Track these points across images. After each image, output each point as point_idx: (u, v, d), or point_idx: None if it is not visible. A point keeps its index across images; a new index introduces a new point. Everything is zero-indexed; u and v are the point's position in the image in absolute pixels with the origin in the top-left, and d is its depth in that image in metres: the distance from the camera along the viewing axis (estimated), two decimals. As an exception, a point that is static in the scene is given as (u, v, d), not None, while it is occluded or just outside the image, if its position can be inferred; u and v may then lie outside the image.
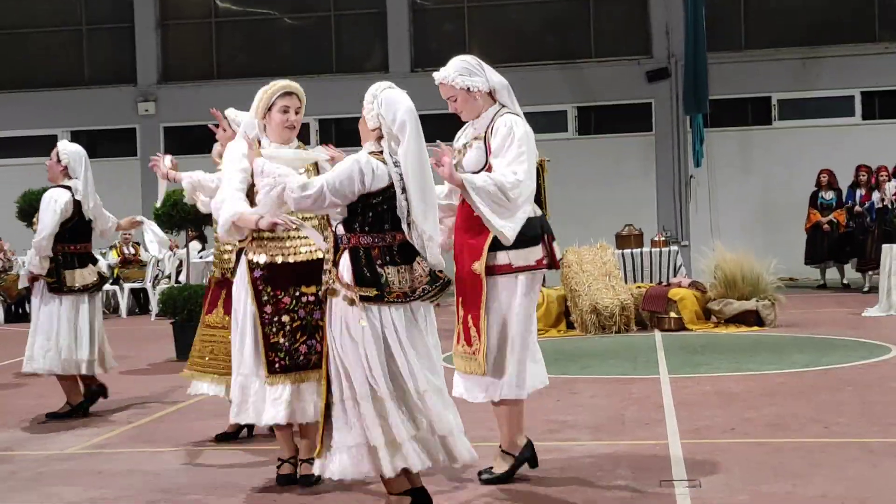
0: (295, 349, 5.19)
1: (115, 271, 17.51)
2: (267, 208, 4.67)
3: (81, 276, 7.55)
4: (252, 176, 5.06)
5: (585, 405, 7.24)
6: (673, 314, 11.94)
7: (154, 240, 7.67)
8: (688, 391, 7.70)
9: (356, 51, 20.88)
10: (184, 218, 10.43)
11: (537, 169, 5.29)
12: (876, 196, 15.81)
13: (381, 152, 4.45)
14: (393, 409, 4.32)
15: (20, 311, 16.43)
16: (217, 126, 6.20)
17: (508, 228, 4.92)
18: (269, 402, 5.17)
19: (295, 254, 5.23)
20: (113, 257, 17.50)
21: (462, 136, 5.30)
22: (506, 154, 5.00)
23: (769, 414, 6.72)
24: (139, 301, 17.73)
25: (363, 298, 4.31)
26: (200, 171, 6.35)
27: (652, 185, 19.90)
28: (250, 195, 5.12)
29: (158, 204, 6.53)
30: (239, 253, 5.37)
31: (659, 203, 19.84)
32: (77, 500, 5.23)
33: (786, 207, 18.95)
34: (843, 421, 6.42)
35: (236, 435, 6.48)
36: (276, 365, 5.17)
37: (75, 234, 7.56)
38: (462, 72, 5.12)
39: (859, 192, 16.38)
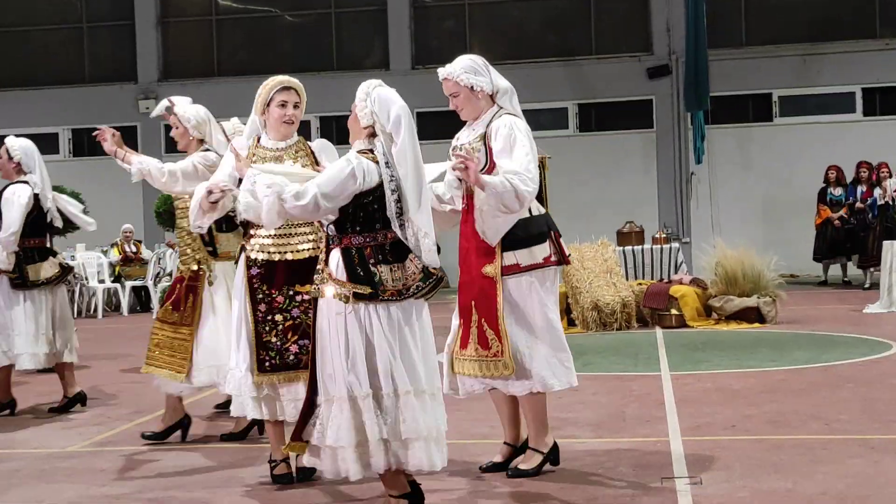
0: (285, 348, 5.21)
1: (117, 269, 17.51)
2: (265, 215, 4.60)
3: (44, 270, 7.57)
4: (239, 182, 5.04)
5: (586, 402, 7.25)
6: (674, 311, 11.94)
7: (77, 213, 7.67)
8: (689, 388, 7.70)
9: (357, 48, 20.88)
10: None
11: (539, 166, 5.30)
12: (877, 192, 15.81)
13: (372, 151, 4.42)
14: (369, 409, 4.30)
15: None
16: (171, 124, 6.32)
17: (491, 232, 5.02)
18: (256, 399, 5.22)
19: (295, 252, 5.23)
20: (114, 255, 17.51)
21: (461, 138, 5.30)
22: (513, 152, 5.01)
23: (770, 411, 6.72)
24: (140, 299, 17.74)
25: (357, 296, 4.31)
26: (156, 161, 6.29)
27: (653, 181, 19.90)
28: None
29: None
30: (240, 249, 5.38)
31: (660, 200, 19.85)
32: (79, 497, 5.23)
33: (787, 204, 18.96)
34: (844, 418, 6.42)
35: (244, 435, 6.45)
36: (267, 364, 5.19)
37: (35, 228, 7.58)
38: (468, 70, 5.14)
39: (860, 189, 16.38)
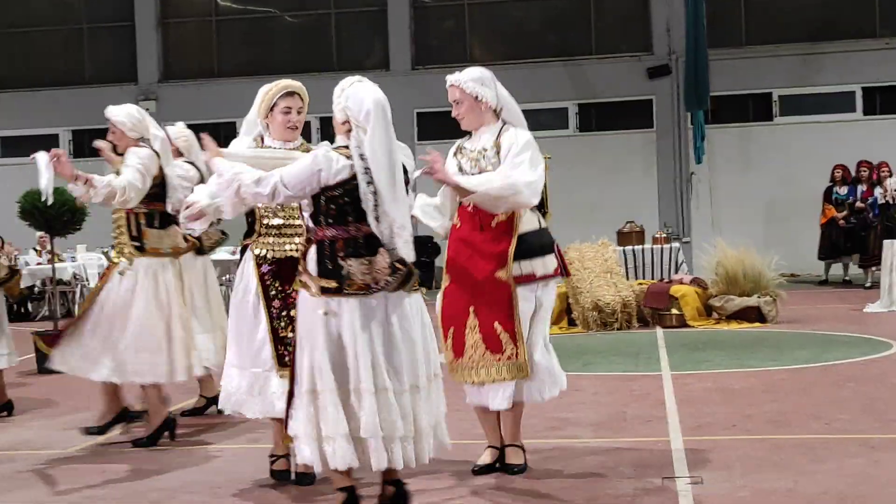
0: None
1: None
2: (227, 205, 4.63)
3: None
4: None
5: (587, 402, 7.25)
6: (674, 311, 11.94)
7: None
8: (689, 388, 7.70)
9: (356, 49, 20.87)
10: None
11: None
12: (878, 192, 15.81)
13: (347, 146, 4.42)
14: (331, 404, 4.30)
15: (22, 310, 16.44)
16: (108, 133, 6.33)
17: (523, 186, 5.05)
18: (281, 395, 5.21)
19: (298, 250, 5.24)
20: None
21: (466, 149, 5.34)
22: (506, 159, 5.13)
23: (770, 410, 6.72)
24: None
25: (324, 290, 4.34)
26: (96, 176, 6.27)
27: (653, 181, 19.90)
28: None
29: (50, 201, 6.16)
30: (244, 249, 5.38)
31: (660, 200, 19.85)
32: (80, 498, 5.24)
33: (787, 203, 18.95)
34: (845, 417, 6.42)
35: (203, 410, 6.76)
36: (287, 358, 5.19)
37: None
38: (476, 80, 5.24)
39: (860, 188, 16.38)
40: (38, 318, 15.72)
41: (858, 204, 16.27)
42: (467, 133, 5.41)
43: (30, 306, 16.38)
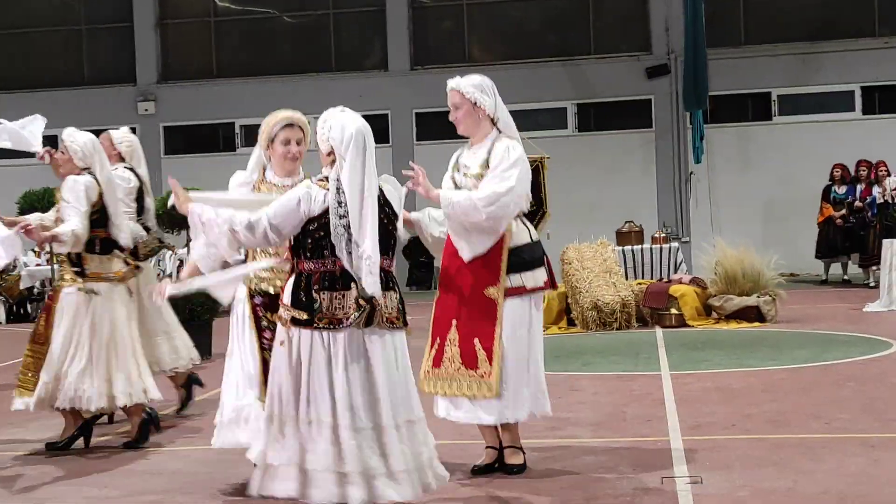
0: None
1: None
2: (215, 257, 4.71)
3: None
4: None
5: (587, 402, 7.25)
6: (674, 310, 11.94)
7: None
8: (689, 387, 7.71)
9: (355, 49, 20.87)
10: (184, 218, 10.39)
11: (538, 166, 5.35)
12: (876, 191, 15.81)
13: (326, 178, 4.38)
14: (285, 433, 4.32)
15: (21, 311, 16.45)
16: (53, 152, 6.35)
17: (465, 250, 5.14)
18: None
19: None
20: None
21: (464, 160, 5.34)
22: (493, 171, 5.14)
23: (770, 410, 6.72)
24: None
25: (294, 321, 4.35)
26: (37, 214, 6.26)
27: (652, 181, 19.90)
28: None
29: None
30: None
31: (659, 199, 19.85)
32: (80, 498, 5.23)
33: (787, 203, 18.96)
34: (844, 416, 6.42)
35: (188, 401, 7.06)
36: None
37: None
38: (476, 86, 5.28)
39: (859, 188, 16.38)
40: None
41: (857, 203, 16.27)
42: (465, 137, 5.41)
43: (29, 307, 16.37)
